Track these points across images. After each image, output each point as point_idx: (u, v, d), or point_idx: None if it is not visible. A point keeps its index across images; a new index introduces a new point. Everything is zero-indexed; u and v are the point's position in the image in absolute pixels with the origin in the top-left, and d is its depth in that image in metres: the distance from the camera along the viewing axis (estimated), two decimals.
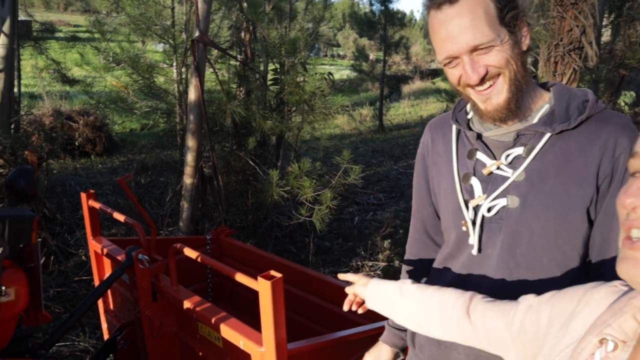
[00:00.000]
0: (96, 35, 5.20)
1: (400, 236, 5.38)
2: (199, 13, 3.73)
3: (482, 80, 1.09)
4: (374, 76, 15.16)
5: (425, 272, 1.45)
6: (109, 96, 5.10)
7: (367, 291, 1.24)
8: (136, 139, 8.47)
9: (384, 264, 4.89)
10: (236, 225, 4.61)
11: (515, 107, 1.12)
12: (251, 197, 4.68)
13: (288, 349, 1.65)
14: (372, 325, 2.11)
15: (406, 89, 19.01)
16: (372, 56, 16.86)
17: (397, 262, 4.87)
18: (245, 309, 3.05)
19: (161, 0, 4.91)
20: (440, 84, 18.98)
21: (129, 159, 7.11)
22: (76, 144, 7.31)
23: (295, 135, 5.26)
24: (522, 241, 1.12)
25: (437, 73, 22.66)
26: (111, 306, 2.71)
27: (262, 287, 1.53)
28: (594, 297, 0.79)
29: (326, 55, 32.07)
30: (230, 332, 1.76)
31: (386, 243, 5.27)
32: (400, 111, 16.30)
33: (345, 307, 1.33)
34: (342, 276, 1.35)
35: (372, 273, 4.72)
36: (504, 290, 1.14)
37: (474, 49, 1.06)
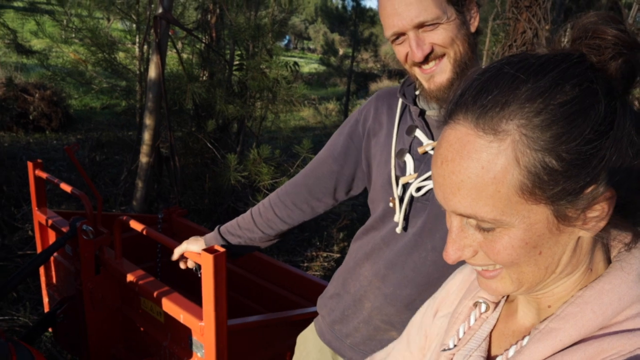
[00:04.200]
0: (57, 8, 5.02)
1: (357, 228, 5.43)
2: None
3: (427, 59, 1.08)
4: (341, 71, 15.18)
5: (286, 210, 1.48)
6: (66, 69, 4.94)
7: None
8: (94, 116, 8.25)
9: (337, 255, 4.93)
10: (192, 208, 4.56)
11: None
12: (209, 180, 4.64)
13: (228, 325, 1.65)
14: (312, 308, 2.12)
15: (373, 86, 19.12)
16: (341, 51, 16.88)
17: None
18: (195, 292, 3.03)
19: None
20: None
21: (86, 136, 6.91)
22: (30, 117, 7.06)
23: (258, 123, 5.24)
24: (444, 226, 1.13)
25: (404, 73, 22.84)
26: (54, 280, 2.64)
27: (205, 261, 1.53)
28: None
29: (296, 48, 31.92)
30: (172, 306, 1.75)
31: (342, 235, 5.32)
32: None
33: None
34: None
35: (325, 263, 4.76)
36: (417, 269, 1.17)
37: (420, 26, 1.05)
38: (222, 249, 1.56)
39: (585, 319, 0.57)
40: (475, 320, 0.72)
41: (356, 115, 1.38)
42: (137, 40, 5.02)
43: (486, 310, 0.73)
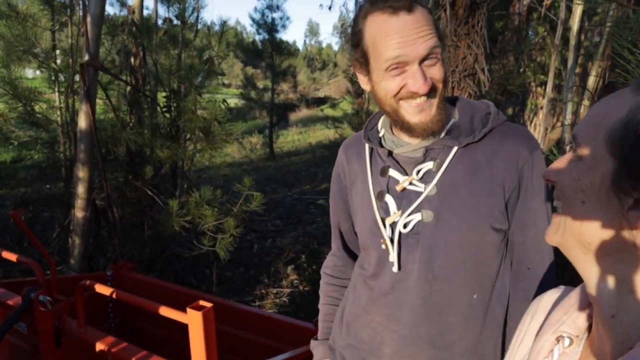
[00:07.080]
0: None
1: (302, 261, 5.39)
2: (89, 36, 3.52)
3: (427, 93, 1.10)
4: (262, 104, 15.26)
5: (346, 275, 1.48)
6: None
7: None
8: (9, 171, 7.71)
9: (288, 289, 4.86)
10: (133, 260, 4.34)
11: (443, 121, 1.15)
12: (148, 228, 4.44)
13: None
14: (295, 351, 2.07)
15: (293, 116, 19.38)
16: (259, 84, 16.98)
17: (302, 288, 4.86)
18: (155, 348, 2.86)
19: (41, 22, 4.56)
20: (327, 111, 19.64)
21: (1, 194, 6.43)
22: None
23: (189, 164, 5.11)
24: (439, 254, 1.15)
25: (322, 101, 23.50)
26: None
27: (193, 319, 1.45)
28: (543, 301, 0.82)
29: (210, 84, 31.73)
30: None
31: (289, 269, 5.26)
32: (290, 138, 16.57)
33: None
34: None
35: (277, 300, 4.67)
36: (426, 302, 1.17)
37: (424, 59, 1.07)
38: (208, 304, 1.49)
39: None
40: (559, 355, 0.71)
41: (335, 172, 1.41)
42: (57, 89, 4.77)
43: (570, 345, 0.71)
